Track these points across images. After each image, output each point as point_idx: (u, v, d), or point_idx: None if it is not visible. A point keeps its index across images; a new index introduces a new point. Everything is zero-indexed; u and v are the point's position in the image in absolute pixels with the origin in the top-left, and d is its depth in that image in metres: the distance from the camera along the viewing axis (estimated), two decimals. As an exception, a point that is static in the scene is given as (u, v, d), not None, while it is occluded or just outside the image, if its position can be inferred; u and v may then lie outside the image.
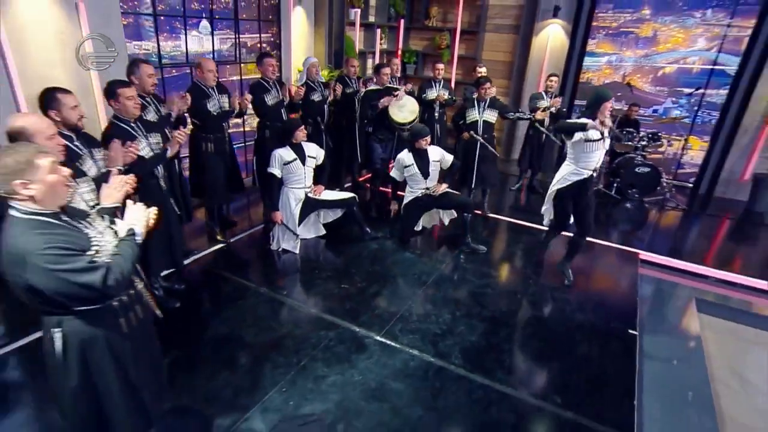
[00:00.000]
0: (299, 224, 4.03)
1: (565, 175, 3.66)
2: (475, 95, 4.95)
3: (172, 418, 2.42)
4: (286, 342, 3.05)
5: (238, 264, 4.04)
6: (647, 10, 6.35)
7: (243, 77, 5.37)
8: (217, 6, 4.88)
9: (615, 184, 6.06)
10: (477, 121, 4.89)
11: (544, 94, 5.68)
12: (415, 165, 4.16)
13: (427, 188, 4.21)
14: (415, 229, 4.45)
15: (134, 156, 2.63)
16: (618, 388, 2.82)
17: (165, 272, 3.51)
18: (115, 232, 1.80)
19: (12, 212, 1.59)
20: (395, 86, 4.87)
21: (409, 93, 5.03)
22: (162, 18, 4.40)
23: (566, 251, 4.00)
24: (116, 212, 1.92)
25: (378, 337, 3.13)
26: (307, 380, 2.72)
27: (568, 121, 3.65)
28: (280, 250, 4.16)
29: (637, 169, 5.87)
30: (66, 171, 1.66)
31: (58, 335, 1.68)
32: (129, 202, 1.88)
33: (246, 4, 5.13)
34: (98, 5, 3.62)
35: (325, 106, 4.86)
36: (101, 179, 2.40)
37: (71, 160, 2.32)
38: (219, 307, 3.39)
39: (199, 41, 4.83)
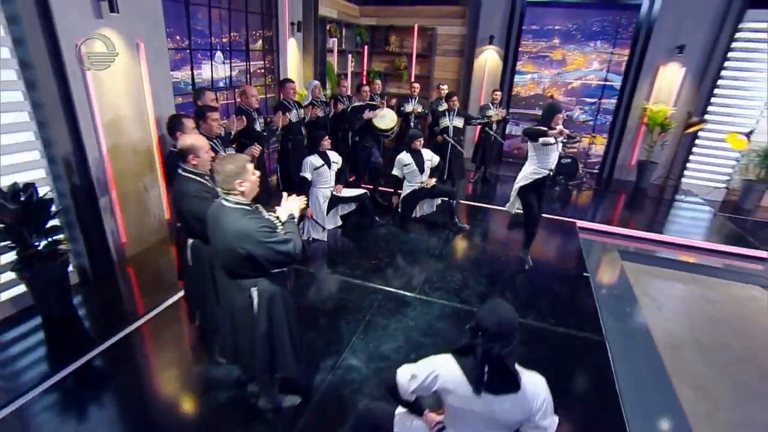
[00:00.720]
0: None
1: (527, 174, 4.04)
2: (445, 107, 5.70)
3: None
4: (348, 306, 3.56)
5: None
6: (557, 39, 7.49)
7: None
8: (227, 39, 5.17)
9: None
10: (448, 126, 5.65)
11: (491, 104, 6.56)
12: (413, 163, 4.79)
13: (422, 182, 4.86)
14: (412, 216, 5.09)
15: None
16: (585, 309, 3.67)
17: None
18: (277, 217, 2.25)
19: (224, 203, 2.03)
20: (374, 102, 5.43)
21: (389, 106, 5.63)
22: (188, 51, 4.64)
23: (523, 241, 4.41)
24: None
25: (415, 295, 3.74)
26: (377, 329, 3.27)
27: (534, 127, 3.90)
28: (310, 239, 4.60)
29: (561, 161, 6.94)
30: (257, 173, 2.10)
31: (255, 292, 2.12)
32: (285, 194, 2.33)
33: (250, 37, 5.45)
34: (151, 44, 3.85)
35: (327, 121, 5.33)
36: None
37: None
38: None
39: (215, 69, 5.10)
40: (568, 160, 6.97)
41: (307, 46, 6.29)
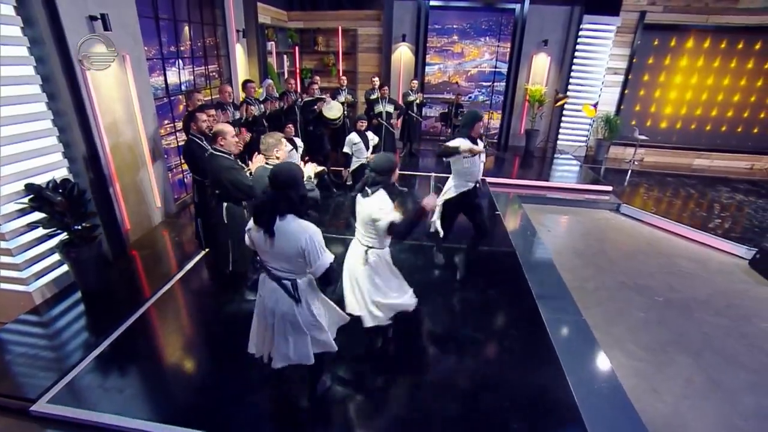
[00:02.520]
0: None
1: (451, 188, 3.74)
2: (377, 95, 6.64)
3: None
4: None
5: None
6: (456, 36, 8.74)
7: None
8: (187, 48, 5.54)
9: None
10: (382, 112, 6.59)
11: (410, 91, 7.60)
12: (361, 142, 5.65)
13: (366, 157, 5.75)
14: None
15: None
16: (501, 234, 4.91)
17: None
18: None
19: (264, 164, 2.83)
20: (322, 96, 6.17)
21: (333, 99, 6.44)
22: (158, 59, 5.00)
23: (466, 254, 4.18)
24: None
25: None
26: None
27: (446, 145, 3.45)
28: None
29: (468, 134, 8.25)
30: (236, 139, 2.90)
31: (224, 206, 2.98)
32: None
33: (202, 44, 5.85)
34: (134, 55, 4.24)
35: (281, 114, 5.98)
36: None
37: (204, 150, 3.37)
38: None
39: (176, 75, 5.46)
40: (474, 133, 8.31)
41: (251, 49, 6.78)
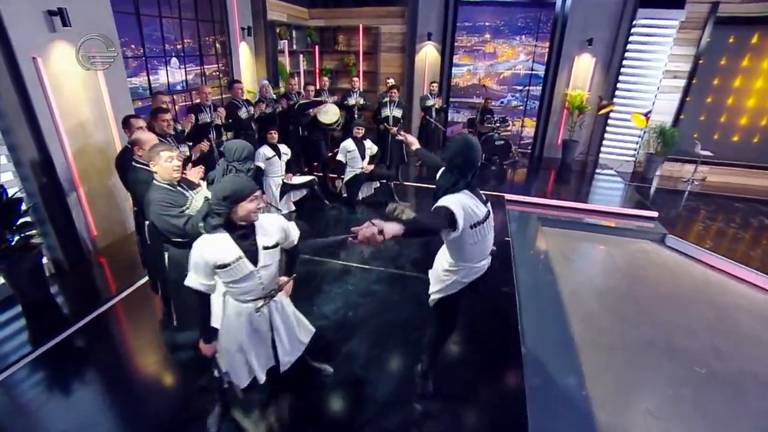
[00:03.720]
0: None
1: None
2: (387, 98, 6.06)
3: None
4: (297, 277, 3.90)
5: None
6: (488, 34, 7.91)
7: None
8: (182, 46, 5.32)
9: (484, 154, 7.59)
10: (388, 116, 6.01)
11: (429, 95, 6.94)
12: (356, 150, 5.13)
13: (362, 168, 5.21)
14: (358, 198, 5.44)
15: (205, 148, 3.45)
16: (503, 266, 4.15)
17: None
18: (206, 198, 2.56)
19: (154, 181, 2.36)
20: (319, 99, 5.73)
21: (335, 103, 5.95)
22: (143, 58, 4.79)
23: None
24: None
25: (357, 264, 4.12)
26: (320, 294, 3.64)
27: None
28: (268, 223, 4.89)
29: (495, 143, 7.42)
30: (177, 163, 2.40)
31: (166, 255, 2.49)
32: (203, 183, 2.67)
33: (202, 43, 5.61)
34: (107, 54, 4.00)
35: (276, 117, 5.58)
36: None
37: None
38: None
39: (172, 74, 5.25)
40: (502, 142, 7.46)
41: (259, 48, 6.48)
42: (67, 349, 2.97)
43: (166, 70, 5.04)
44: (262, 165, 4.62)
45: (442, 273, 2.28)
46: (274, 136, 4.65)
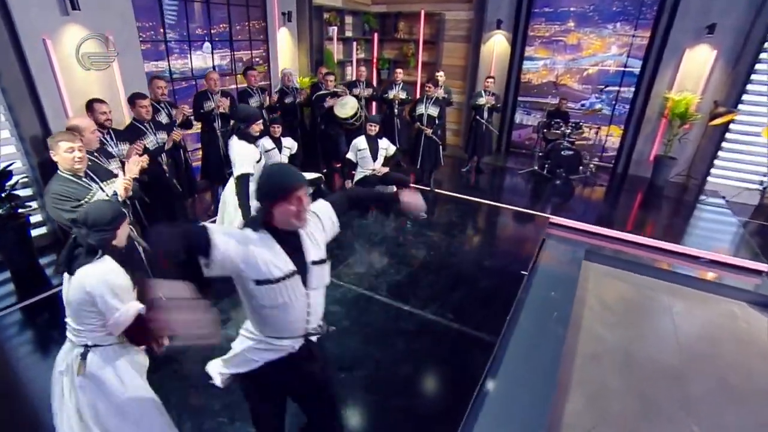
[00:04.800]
0: None
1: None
2: (436, 94, 5.59)
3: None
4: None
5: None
6: (572, 22, 6.81)
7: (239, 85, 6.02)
8: (216, 30, 5.49)
9: (546, 165, 6.61)
10: (423, 114, 5.50)
11: (483, 92, 6.23)
12: (368, 149, 4.76)
13: (373, 170, 4.83)
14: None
15: (139, 150, 3.30)
16: (498, 309, 3.47)
17: None
18: (115, 193, 2.47)
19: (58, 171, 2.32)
20: (336, 90, 5.46)
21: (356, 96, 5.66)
22: (172, 42, 5.03)
23: None
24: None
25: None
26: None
27: None
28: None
29: (563, 153, 6.40)
30: (79, 154, 2.32)
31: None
32: (120, 173, 2.55)
33: (241, 27, 5.73)
34: (121, 36, 4.25)
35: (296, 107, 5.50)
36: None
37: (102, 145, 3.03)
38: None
39: (204, 59, 5.46)
40: (570, 153, 6.39)
41: (302, 34, 6.44)
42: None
43: (190, 56, 5.22)
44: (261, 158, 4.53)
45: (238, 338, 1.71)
46: (277, 130, 4.50)
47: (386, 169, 4.86)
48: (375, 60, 8.00)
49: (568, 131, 6.43)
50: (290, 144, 4.70)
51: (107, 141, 3.15)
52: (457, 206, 5.51)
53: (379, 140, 4.82)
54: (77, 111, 4.01)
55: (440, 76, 6.30)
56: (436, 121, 5.56)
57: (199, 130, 4.79)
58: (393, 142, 6.46)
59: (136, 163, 2.74)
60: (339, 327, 3.18)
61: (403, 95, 6.17)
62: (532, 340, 3.32)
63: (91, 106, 3.12)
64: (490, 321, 3.32)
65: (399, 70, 6.24)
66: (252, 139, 3.52)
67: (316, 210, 1.67)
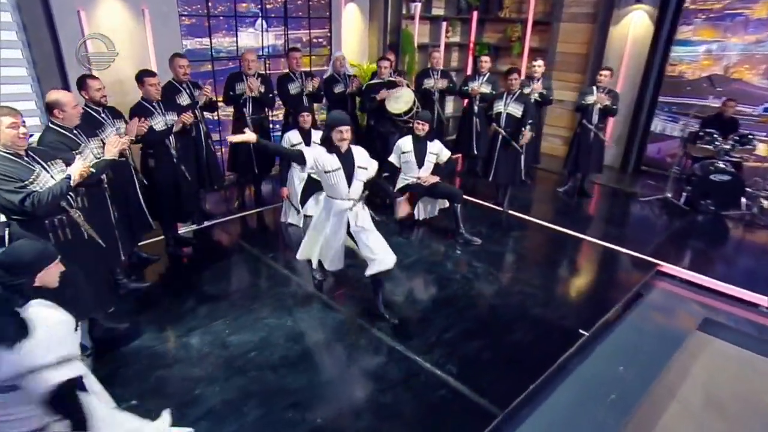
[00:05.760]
0: (303, 201, 4.93)
1: None
2: (531, 88, 5.57)
3: (135, 318, 3.54)
4: (250, 291, 4.01)
5: (248, 231, 5.20)
6: (758, -12, 5.95)
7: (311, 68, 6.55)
8: (272, 5, 6.09)
9: (685, 193, 5.82)
10: (501, 113, 5.32)
11: (594, 88, 5.79)
12: (413, 152, 4.78)
13: (418, 178, 4.81)
14: (416, 217, 5.08)
15: (144, 129, 3.83)
16: (522, 373, 3.17)
17: (185, 228, 4.86)
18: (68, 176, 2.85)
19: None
20: (394, 79, 5.54)
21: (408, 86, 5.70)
22: (221, 18, 5.73)
23: None
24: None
25: (324, 297, 3.91)
26: (250, 319, 3.62)
27: None
28: (287, 222, 5.14)
29: (713, 177, 5.57)
30: (24, 130, 2.73)
31: (6, 231, 2.82)
32: (78, 156, 2.98)
33: (302, 3, 6.27)
34: (158, 10, 4.99)
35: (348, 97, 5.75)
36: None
37: (95, 126, 3.58)
38: (217, 258, 4.53)
39: (255, 37, 6.09)
40: (726, 179, 5.51)
41: (375, 11, 6.76)
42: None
43: (236, 33, 5.86)
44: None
45: None
46: (307, 119, 4.81)
47: (435, 179, 4.82)
48: (472, 45, 7.99)
49: (728, 146, 5.58)
50: (318, 138, 4.96)
51: (104, 119, 3.71)
52: (531, 235, 5.24)
53: (428, 143, 4.81)
54: (107, 87, 4.81)
55: (538, 66, 6.05)
56: (526, 124, 5.28)
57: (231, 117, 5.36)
58: (470, 148, 6.43)
59: (116, 144, 3.17)
60: (310, 360, 3.26)
61: (486, 89, 6.06)
62: (562, 426, 2.96)
63: (84, 82, 3.69)
64: (503, 386, 3.05)
65: (485, 58, 6.16)
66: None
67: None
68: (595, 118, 5.78)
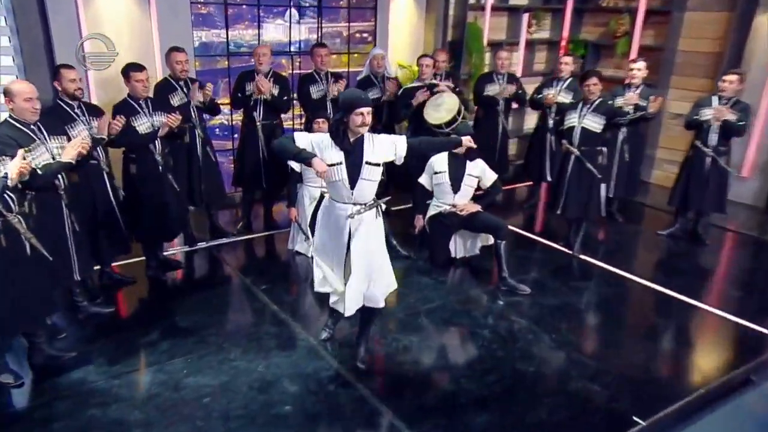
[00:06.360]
0: (313, 226, 5.17)
1: None
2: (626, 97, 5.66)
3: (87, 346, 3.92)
4: (227, 326, 4.31)
5: (246, 258, 5.57)
6: None
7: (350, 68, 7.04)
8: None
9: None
10: (574, 127, 5.33)
11: (715, 99, 5.63)
12: (447, 173, 4.93)
13: (454, 205, 4.93)
14: (449, 255, 5.19)
15: (117, 127, 4.30)
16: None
17: (172, 249, 5.29)
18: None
19: None
20: (435, 82, 5.74)
21: (455, 91, 5.88)
22: (243, 6, 6.29)
23: None
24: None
25: (312, 341, 4.08)
26: (215, 359, 3.87)
27: None
28: (294, 250, 5.44)
29: None
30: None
31: None
32: (21, 151, 3.43)
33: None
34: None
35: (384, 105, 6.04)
36: (94, 142, 4.11)
37: (66, 122, 4.10)
38: (202, 286, 4.95)
39: (284, 30, 6.60)
40: None
41: (432, 1, 7.07)
42: None
43: (258, 24, 6.39)
44: (296, 167, 5.18)
45: None
46: (322, 127, 5.12)
47: (475, 207, 4.92)
48: (564, 42, 8.03)
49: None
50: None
51: (78, 116, 4.25)
52: (602, 288, 5.17)
53: (468, 162, 4.96)
54: (100, 82, 5.45)
55: (638, 68, 6.00)
56: (602, 141, 5.26)
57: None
58: (540, 172, 6.44)
59: (75, 146, 3.60)
60: (271, 414, 3.43)
61: (565, 98, 6.08)
62: None
63: (57, 72, 4.24)
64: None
65: (567, 59, 6.20)
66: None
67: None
68: (714, 138, 5.60)
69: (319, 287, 3.72)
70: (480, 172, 5.00)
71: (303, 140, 3.39)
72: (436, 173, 5.03)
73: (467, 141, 3.85)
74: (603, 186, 5.41)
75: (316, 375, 3.77)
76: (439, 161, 4.99)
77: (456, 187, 4.94)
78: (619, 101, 5.81)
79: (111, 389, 3.57)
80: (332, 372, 3.80)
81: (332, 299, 3.73)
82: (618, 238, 6.20)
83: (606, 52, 8.10)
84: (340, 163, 3.36)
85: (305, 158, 3.30)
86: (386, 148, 3.49)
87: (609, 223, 6.36)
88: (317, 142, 3.39)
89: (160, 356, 3.90)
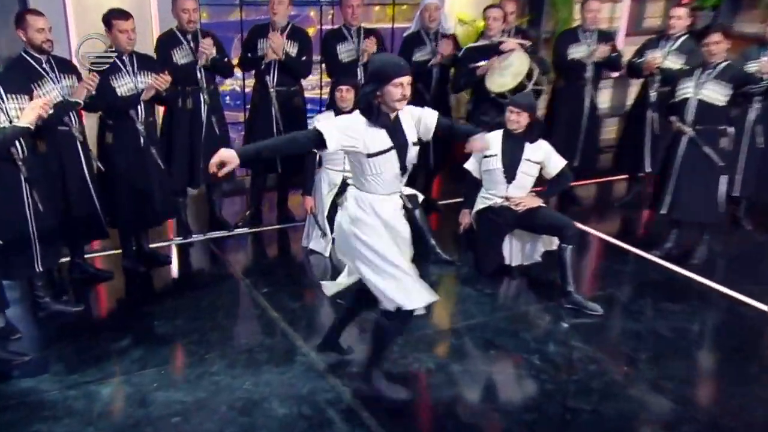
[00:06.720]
0: (331, 218, 5.36)
1: None
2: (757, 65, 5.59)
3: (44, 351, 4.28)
4: (213, 334, 4.55)
5: (250, 254, 5.90)
6: None
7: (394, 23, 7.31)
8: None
9: None
10: (688, 99, 5.36)
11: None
12: (500, 156, 5.03)
13: (507, 198, 5.03)
14: (502, 261, 5.27)
15: (91, 87, 4.59)
16: None
17: (160, 241, 5.68)
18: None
19: None
20: (504, 40, 5.83)
21: (529, 51, 5.91)
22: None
23: None
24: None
25: (313, 357, 4.29)
26: (194, 372, 4.13)
27: None
28: (308, 248, 5.70)
29: None
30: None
31: None
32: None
33: None
34: None
35: (433, 68, 6.16)
36: (66, 105, 4.48)
37: (31, 80, 4.41)
38: (192, 285, 5.28)
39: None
40: None
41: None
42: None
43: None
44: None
45: None
46: (346, 96, 5.33)
47: (536, 201, 5.04)
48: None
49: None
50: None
51: (45, 72, 4.58)
52: (711, 312, 5.21)
53: (527, 144, 5.04)
54: (81, 30, 5.77)
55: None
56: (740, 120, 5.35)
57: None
58: (638, 162, 6.45)
59: (34, 108, 3.85)
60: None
61: (674, 63, 6.06)
62: None
63: (22, 18, 4.48)
64: None
65: (679, 11, 6.14)
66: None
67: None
68: None
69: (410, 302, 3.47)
70: (543, 157, 5.04)
71: (333, 138, 3.19)
72: (485, 157, 5.08)
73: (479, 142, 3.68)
74: (725, 179, 5.40)
75: (312, 397, 3.90)
76: (492, 143, 5.05)
77: (510, 174, 5.02)
78: (752, 66, 5.69)
79: (65, 401, 3.83)
80: (333, 395, 3.94)
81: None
82: (741, 251, 6.07)
83: (748, 1, 7.95)
84: (391, 149, 3.34)
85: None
86: (414, 122, 3.54)
87: (732, 231, 6.29)
88: (352, 132, 3.26)
89: (129, 365, 4.16)
